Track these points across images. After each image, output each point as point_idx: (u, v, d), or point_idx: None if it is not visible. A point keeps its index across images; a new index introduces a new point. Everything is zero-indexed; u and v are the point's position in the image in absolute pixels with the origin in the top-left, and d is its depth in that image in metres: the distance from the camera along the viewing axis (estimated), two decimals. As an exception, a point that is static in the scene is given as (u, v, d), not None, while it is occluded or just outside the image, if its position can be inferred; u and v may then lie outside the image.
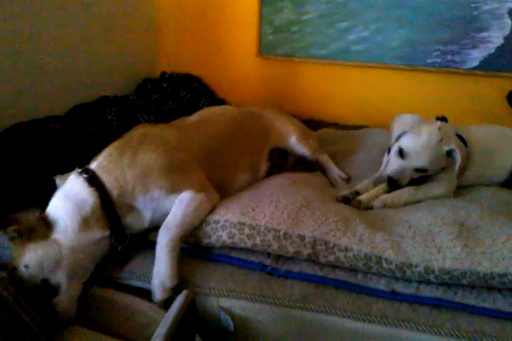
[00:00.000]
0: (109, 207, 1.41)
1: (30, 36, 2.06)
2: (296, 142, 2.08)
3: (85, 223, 1.37)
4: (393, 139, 1.79)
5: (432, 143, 1.67)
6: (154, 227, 1.51)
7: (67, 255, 1.32)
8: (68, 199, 1.39)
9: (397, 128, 1.80)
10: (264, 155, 2.00)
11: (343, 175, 2.08)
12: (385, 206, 1.69)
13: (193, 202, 1.49)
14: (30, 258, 1.28)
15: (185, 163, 1.59)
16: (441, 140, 1.67)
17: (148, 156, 1.50)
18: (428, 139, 1.67)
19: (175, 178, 1.51)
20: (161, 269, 1.36)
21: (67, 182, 1.46)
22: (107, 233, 1.41)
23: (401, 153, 1.72)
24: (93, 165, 1.48)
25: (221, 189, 1.67)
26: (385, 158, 1.92)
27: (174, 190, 1.50)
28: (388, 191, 1.78)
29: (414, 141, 1.69)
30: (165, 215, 1.48)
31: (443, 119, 1.82)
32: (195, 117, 1.96)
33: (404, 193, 1.73)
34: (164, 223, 1.45)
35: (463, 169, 1.72)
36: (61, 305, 1.29)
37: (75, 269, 1.33)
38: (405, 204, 1.71)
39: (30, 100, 2.08)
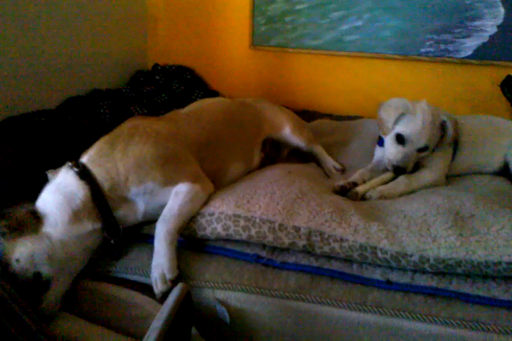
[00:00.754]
0: (100, 200, 1.40)
1: (20, 30, 2.04)
2: (290, 133, 2.08)
3: (76, 216, 1.36)
4: (388, 125, 1.77)
5: (428, 121, 1.70)
6: (147, 221, 1.51)
7: (58, 248, 1.31)
8: (58, 192, 1.38)
9: (388, 114, 1.79)
10: (257, 146, 1.99)
11: (338, 166, 2.08)
12: (381, 197, 1.70)
13: (189, 193, 1.49)
14: (21, 252, 1.27)
15: (178, 153, 1.58)
16: (433, 115, 1.71)
17: (140, 147, 1.49)
18: (424, 118, 1.70)
19: (169, 169, 1.50)
20: (160, 262, 1.36)
21: (57, 176, 1.44)
22: (99, 226, 1.40)
23: (400, 140, 1.73)
24: (84, 159, 1.47)
25: (214, 179, 1.66)
26: (377, 148, 1.92)
27: (169, 181, 1.49)
28: (385, 182, 1.78)
29: (412, 124, 1.71)
30: (159, 208, 1.48)
31: None
32: (188, 109, 1.95)
33: (400, 184, 1.73)
34: (161, 216, 1.44)
35: (454, 138, 1.77)
36: (48, 300, 1.27)
37: (66, 263, 1.32)
38: (401, 195, 1.72)
39: (20, 94, 2.06)
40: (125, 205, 1.46)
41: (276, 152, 2.15)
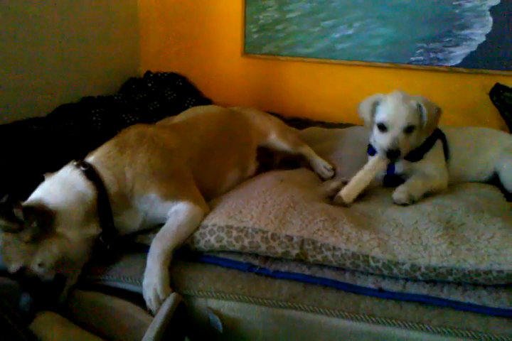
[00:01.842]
0: (104, 203, 1.39)
1: (12, 37, 2.04)
2: (276, 138, 2.09)
3: (87, 218, 1.36)
4: (367, 118, 1.83)
5: (400, 102, 1.76)
6: (141, 231, 1.51)
7: (73, 249, 1.32)
8: (68, 191, 1.36)
9: (364, 108, 1.85)
10: (252, 153, 2.00)
11: (328, 166, 2.10)
12: (409, 198, 1.69)
13: (190, 214, 1.48)
14: (44, 256, 1.26)
15: (182, 170, 1.58)
16: (405, 97, 1.77)
17: (149, 156, 1.49)
18: (396, 101, 1.76)
19: (172, 185, 1.50)
20: (152, 281, 1.34)
21: (60, 172, 1.42)
22: (100, 230, 1.40)
23: (383, 127, 1.77)
24: (90, 159, 1.46)
25: (212, 189, 1.67)
26: (369, 158, 1.92)
27: (171, 197, 1.48)
28: (367, 182, 1.78)
29: (386, 109, 1.77)
30: (156, 219, 1.48)
31: None
32: (182, 117, 1.95)
33: (417, 183, 1.75)
34: (159, 233, 1.43)
35: (430, 124, 1.79)
36: (63, 296, 1.32)
37: (77, 262, 1.35)
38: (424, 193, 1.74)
39: (13, 102, 2.05)
40: (126, 212, 1.45)
41: (270, 161, 2.17)
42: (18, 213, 1.23)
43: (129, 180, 1.43)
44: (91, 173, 1.39)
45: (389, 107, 1.78)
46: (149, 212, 1.48)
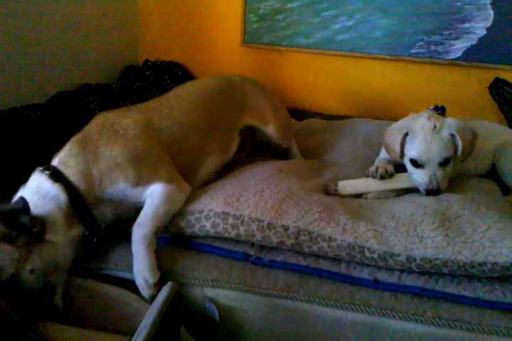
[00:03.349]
0: (78, 203, 1.38)
1: (10, 25, 2.02)
2: (273, 130, 2.01)
3: (67, 220, 1.36)
4: (396, 149, 1.72)
5: (430, 134, 1.64)
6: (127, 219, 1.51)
7: (60, 254, 1.31)
8: (44, 199, 1.35)
9: (393, 138, 1.73)
10: (235, 135, 1.92)
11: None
12: None
13: (163, 194, 1.46)
14: (35, 262, 1.24)
15: (149, 152, 1.53)
16: (436, 127, 1.64)
17: (110, 149, 1.46)
18: (425, 134, 1.64)
19: (140, 170, 1.47)
20: (140, 268, 1.34)
21: (30, 180, 1.41)
22: (83, 228, 1.40)
23: (416, 164, 1.68)
24: (55, 162, 1.44)
25: (189, 173, 1.63)
26: (382, 152, 1.90)
27: (140, 182, 1.46)
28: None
29: (416, 144, 1.66)
30: (133, 204, 1.47)
31: (436, 109, 1.81)
32: (159, 96, 1.84)
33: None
34: (137, 220, 1.42)
35: (466, 153, 1.69)
36: (56, 302, 1.28)
37: (65, 266, 1.34)
38: None
39: (9, 88, 2.04)
40: (101, 205, 1.45)
41: (251, 138, 2.12)
42: (25, 220, 1.23)
43: (96, 176, 1.42)
44: (56, 175, 1.38)
45: (420, 142, 1.64)
46: (123, 200, 1.47)
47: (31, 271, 1.23)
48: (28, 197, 1.29)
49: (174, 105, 1.72)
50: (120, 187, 1.44)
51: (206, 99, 1.83)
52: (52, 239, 1.30)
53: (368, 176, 1.77)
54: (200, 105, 1.78)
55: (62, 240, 1.33)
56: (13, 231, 1.22)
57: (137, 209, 1.47)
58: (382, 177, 1.73)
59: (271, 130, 2.01)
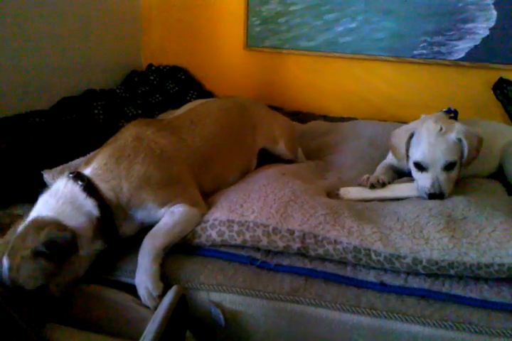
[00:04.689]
0: (109, 218, 1.39)
1: (14, 31, 2.03)
2: (283, 146, 2.01)
3: (94, 235, 1.36)
4: (401, 150, 1.71)
5: (436, 136, 1.62)
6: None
7: (83, 267, 1.34)
8: (78, 211, 1.35)
9: (399, 139, 1.72)
10: (254, 155, 1.95)
11: None
12: None
13: (186, 214, 1.47)
14: (63, 276, 1.26)
15: (181, 175, 1.56)
16: (442, 130, 1.63)
17: (145, 168, 1.46)
18: (431, 135, 1.63)
19: (169, 192, 1.49)
20: (143, 279, 1.34)
21: (58, 185, 1.40)
22: (105, 245, 1.41)
23: (420, 167, 1.66)
24: (87, 172, 1.43)
25: (210, 191, 1.66)
26: (389, 156, 1.89)
27: (168, 203, 1.48)
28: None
29: (421, 147, 1.64)
30: (156, 221, 1.47)
31: (448, 111, 1.80)
32: (185, 112, 1.87)
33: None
34: (151, 231, 1.43)
35: (471, 158, 1.67)
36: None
37: (81, 276, 1.35)
38: None
39: (14, 94, 2.05)
40: (124, 223, 1.45)
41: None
42: (67, 250, 1.26)
43: (126, 193, 1.42)
44: (91, 189, 1.38)
45: (425, 144, 1.62)
46: (147, 219, 1.48)
47: (57, 284, 1.25)
48: (59, 204, 1.32)
49: (203, 125, 1.74)
50: (148, 206, 1.45)
51: (228, 120, 1.85)
52: (80, 253, 1.31)
53: (359, 185, 1.76)
54: (225, 126, 1.81)
55: (87, 254, 1.34)
56: (53, 254, 1.24)
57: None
58: (373, 187, 1.71)
59: (282, 148, 2.01)
